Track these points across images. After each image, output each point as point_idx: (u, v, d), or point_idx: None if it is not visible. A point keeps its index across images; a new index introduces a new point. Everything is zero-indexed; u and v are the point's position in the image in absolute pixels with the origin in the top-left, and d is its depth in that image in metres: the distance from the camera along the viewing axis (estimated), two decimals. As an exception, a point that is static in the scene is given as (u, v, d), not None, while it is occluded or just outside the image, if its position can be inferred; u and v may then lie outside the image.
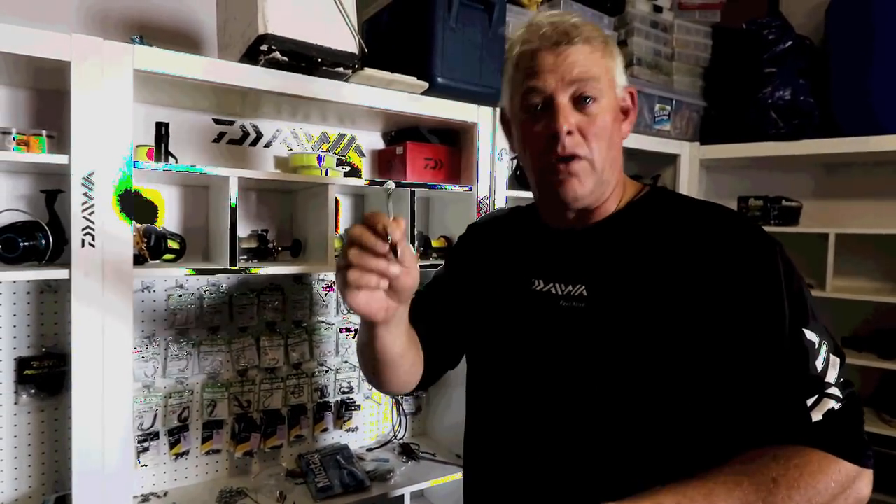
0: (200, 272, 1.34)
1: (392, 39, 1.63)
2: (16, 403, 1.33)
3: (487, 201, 1.70)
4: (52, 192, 1.27)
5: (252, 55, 1.31)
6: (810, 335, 0.71)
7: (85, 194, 1.12)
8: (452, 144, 1.78)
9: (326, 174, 1.54)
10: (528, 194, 1.77)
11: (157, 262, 1.36)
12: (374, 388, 1.81)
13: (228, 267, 1.34)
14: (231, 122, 1.61)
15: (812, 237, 2.00)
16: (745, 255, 0.74)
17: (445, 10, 1.51)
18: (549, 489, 0.81)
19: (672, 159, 2.18)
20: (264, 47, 1.27)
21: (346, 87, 1.44)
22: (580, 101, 0.78)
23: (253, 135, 1.64)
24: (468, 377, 0.99)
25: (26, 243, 1.18)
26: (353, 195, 1.81)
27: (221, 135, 1.60)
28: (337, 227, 1.59)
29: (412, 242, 1.64)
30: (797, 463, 0.65)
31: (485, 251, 0.98)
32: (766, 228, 0.77)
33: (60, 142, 1.26)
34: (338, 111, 1.58)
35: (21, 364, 1.32)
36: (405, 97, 1.53)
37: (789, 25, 2.07)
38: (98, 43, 1.13)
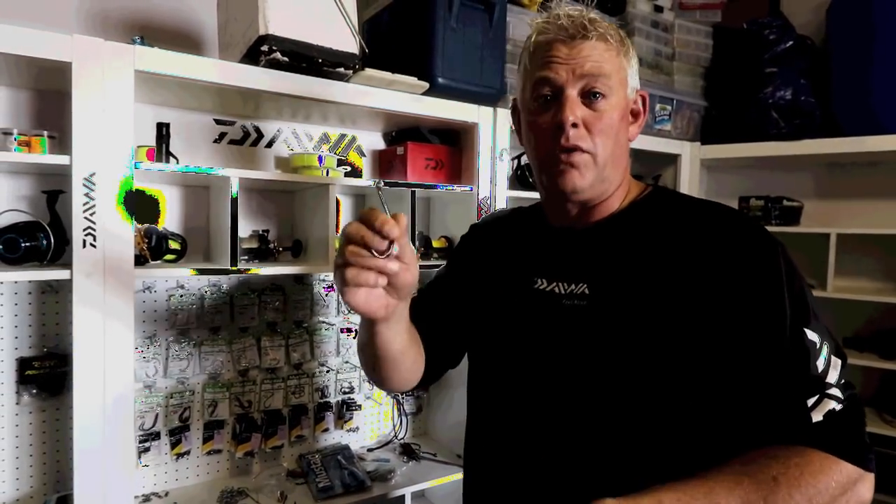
0: (201, 272, 1.34)
1: (392, 39, 1.63)
2: (17, 403, 1.33)
3: (488, 201, 1.70)
4: (53, 192, 1.27)
5: (253, 56, 1.31)
6: (811, 335, 0.71)
7: (86, 195, 1.13)
8: (453, 145, 1.78)
9: (327, 174, 1.54)
10: (529, 194, 1.77)
11: (159, 262, 1.36)
12: (374, 388, 1.82)
13: (229, 267, 1.34)
14: (232, 123, 1.61)
15: (813, 237, 2.00)
16: (747, 255, 0.74)
17: (446, 10, 1.51)
18: (550, 488, 0.81)
19: (673, 159, 2.17)
20: (265, 48, 1.27)
21: (347, 87, 1.44)
22: (589, 96, 0.78)
23: (254, 135, 1.64)
24: (469, 377, 0.99)
25: (28, 244, 1.18)
26: (353, 195, 1.81)
27: (222, 135, 1.60)
28: (338, 227, 1.59)
29: (413, 242, 1.64)
30: (798, 462, 0.65)
31: (487, 250, 0.98)
32: (768, 228, 0.77)
33: (62, 142, 1.26)
34: (338, 111, 1.58)
35: (22, 364, 1.33)
36: (406, 97, 1.53)
37: (790, 25, 2.07)
38: (99, 44, 1.13)
